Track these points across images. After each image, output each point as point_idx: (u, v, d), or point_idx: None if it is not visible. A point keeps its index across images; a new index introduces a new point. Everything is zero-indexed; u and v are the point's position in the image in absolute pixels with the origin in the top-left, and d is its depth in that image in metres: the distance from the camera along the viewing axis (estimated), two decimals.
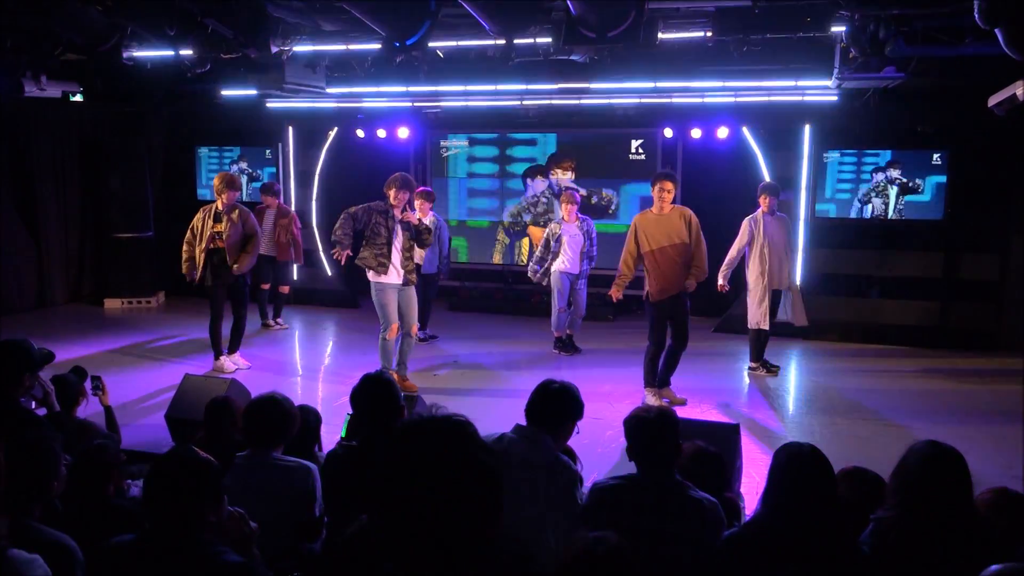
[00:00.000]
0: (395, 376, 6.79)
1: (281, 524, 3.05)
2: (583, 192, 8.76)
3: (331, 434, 4.59)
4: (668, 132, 9.58)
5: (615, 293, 6.76)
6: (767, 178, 9.23)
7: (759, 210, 7.43)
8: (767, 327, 7.46)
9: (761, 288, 7.38)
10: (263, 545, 2.78)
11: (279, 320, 9.67)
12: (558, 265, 8.13)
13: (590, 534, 2.02)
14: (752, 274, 7.44)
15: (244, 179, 11.20)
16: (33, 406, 4.13)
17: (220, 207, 7.29)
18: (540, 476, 3.05)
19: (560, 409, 3.26)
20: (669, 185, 6.37)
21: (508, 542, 1.48)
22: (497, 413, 6.39)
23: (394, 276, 6.68)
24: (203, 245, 7.26)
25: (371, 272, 6.68)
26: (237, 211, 7.35)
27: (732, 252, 7.45)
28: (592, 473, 4.46)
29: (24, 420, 3.62)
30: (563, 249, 8.11)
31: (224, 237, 7.25)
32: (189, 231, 7.39)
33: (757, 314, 7.44)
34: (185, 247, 7.41)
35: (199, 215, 7.37)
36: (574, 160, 10.47)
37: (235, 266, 7.31)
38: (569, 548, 1.89)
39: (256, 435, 3.29)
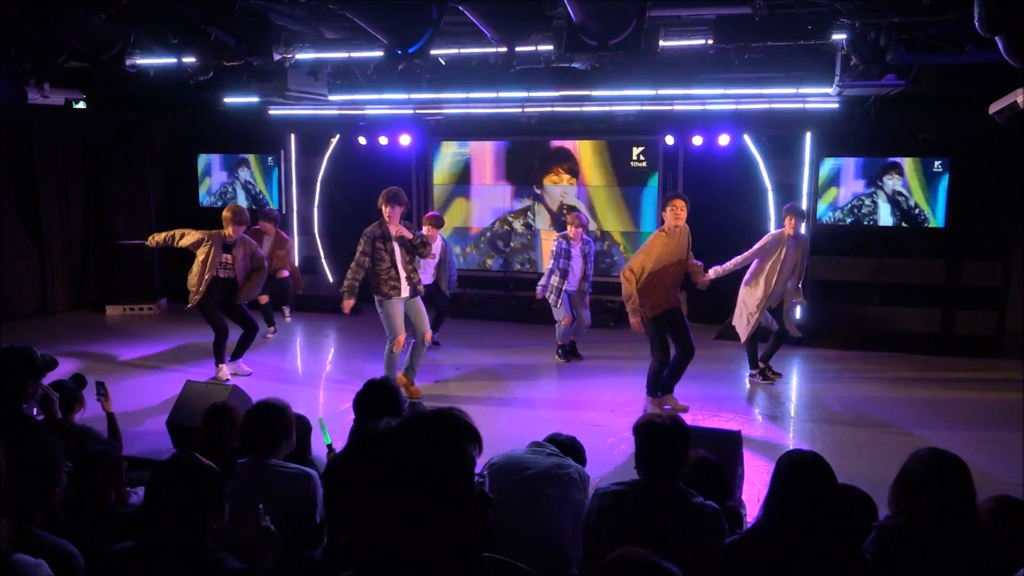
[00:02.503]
0: (402, 380, 6.83)
1: (282, 531, 3.04)
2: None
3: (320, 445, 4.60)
4: (669, 139, 9.59)
5: (637, 326, 6.45)
6: (768, 185, 9.25)
7: (784, 230, 7.18)
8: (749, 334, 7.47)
9: (756, 306, 7.22)
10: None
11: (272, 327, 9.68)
12: (558, 282, 8.14)
13: (623, 549, 1.94)
14: (754, 290, 7.25)
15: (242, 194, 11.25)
16: (35, 412, 4.13)
17: (229, 237, 7.34)
18: (550, 476, 3.10)
19: (566, 453, 3.40)
20: (681, 203, 6.36)
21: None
22: (500, 420, 6.39)
23: (403, 290, 6.73)
24: (211, 273, 7.27)
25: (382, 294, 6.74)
26: (244, 244, 7.42)
27: (746, 255, 7.21)
28: (593, 480, 4.45)
29: (25, 426, 3.62)
30: (569, 268, 8.10)
31: (234, 266, 7.36)
32: (180, 235, 7.39)
33: (745, 329, 7.37)
34: (162, 235, 7.46)
35: (205, 238, 7.31)
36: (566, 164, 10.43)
37: (240, 295, 7.40)
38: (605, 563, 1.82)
39: (254, 441, 3.28)
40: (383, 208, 6.61)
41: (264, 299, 9.38)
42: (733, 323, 7.57)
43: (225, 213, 7.37)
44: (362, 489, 1.23)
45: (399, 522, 1.21)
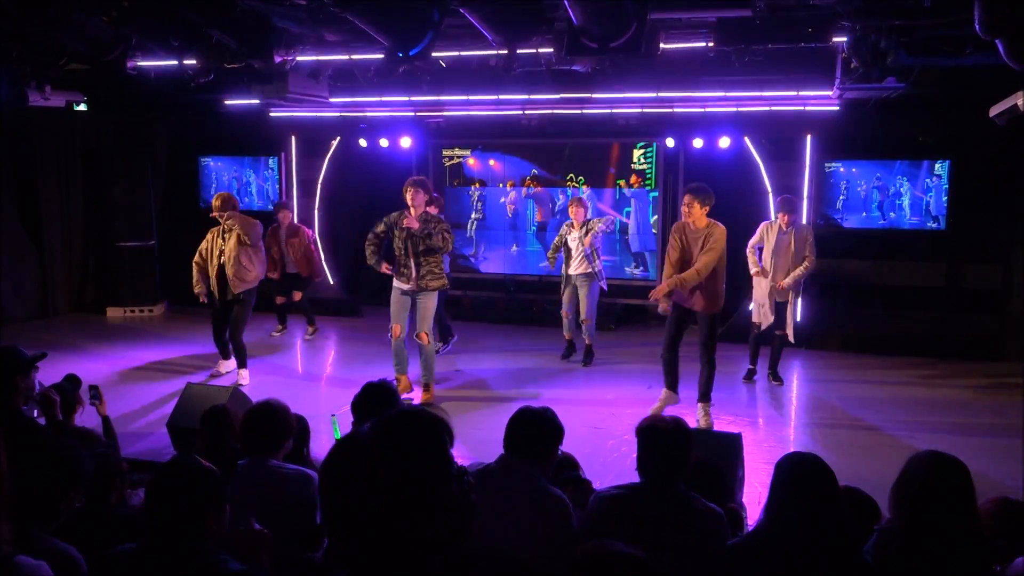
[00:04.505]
0: (405, 383, 6.92)
1: (282, 533, 3.04)
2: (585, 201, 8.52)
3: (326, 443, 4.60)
4: (670, 141, 9.60)
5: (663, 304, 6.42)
6: (769, 187, 9.25)
7: (777, 221, 7.38)
8: (759, 328, 7.54)
9: (764, 296, 7.43)
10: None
11: (312, 328, 9.60)
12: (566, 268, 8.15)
13: (599, 541, 1.95)
14: (760, 280, 7.49)
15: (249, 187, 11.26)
16: (36, 414, 4.13)
17: (224, 226, 7.26)
18: (529, 509, 2.91)
19: (538, 436, 3.09)
20: (686, 198, 6.22)
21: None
22: (498, 422, 6.38)
23: (403, 282, 6.73)
24: (215, 263, 7.25)
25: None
26: (236, 222, 7.22)
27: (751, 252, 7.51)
28: (594, 482, 4.46)
29: (27, 428, 3.62)
30: (571, 253, 8.07)
31: (227, 253, 7.22)
32: (198, 253, 7.38)
33: (755, 313, 7.55)
34: (195, 267, 7.41)
35: (208, 237, 7.35)
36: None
37: (238, 282, 7.25)
38: (577, 553, 1.83)
39: (253, 442, 3.28)
40: (406, 194, 6.59)
41: (298, 295, 9.32)
42: (756, 321, 7.57)
43: (215, 202, 7.24)
44: (344, 493, 1.27)
45: (385, 519, 1.24)
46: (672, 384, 6.58)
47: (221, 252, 7.25)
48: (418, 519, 1.25)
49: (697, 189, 6.24)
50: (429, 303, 6.77)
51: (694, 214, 6.18)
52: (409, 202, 6.58)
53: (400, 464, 1.26)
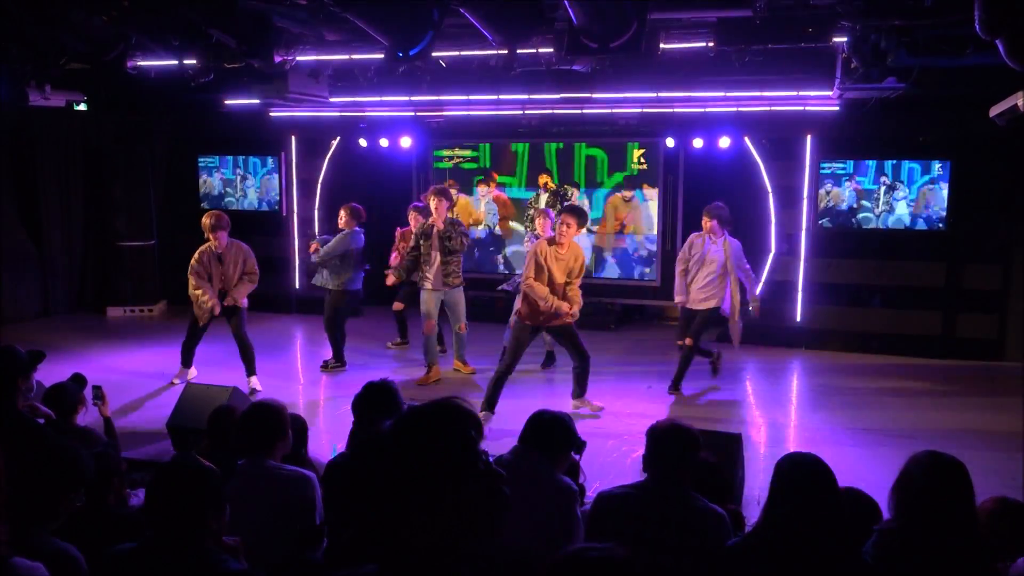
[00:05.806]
0: (456, 364, 7.82)
1: (281, 533, 3.04)
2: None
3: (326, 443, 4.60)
4: (670, 141, 9.59)
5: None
6: (769, 188, 9.25)
7: (703, 231, 6.99)
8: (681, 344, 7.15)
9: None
10: (263, 555, 2.77)
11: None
12: None
13: (579, 548, 1.96)
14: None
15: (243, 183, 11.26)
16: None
17: (217, 249, 7.14)
18: (539, 497, 3.02)
19: (553, 440, 3.22)
20: (566, 218, 6.20)
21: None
22: (498, 421, 6.38)
23: (433, 283, 7.34)
24: (215, 285, 7.17)
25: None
26: (235, 249, 7.20)
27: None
28: (595, 483, 4.46)
29: (27, 428, 3.62)
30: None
31: (227, 278, 7.18)
32: (199, 263, 7.20)
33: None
34: (196, 283, 7.20)
35: (201, 258, 7.18)
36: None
37: (234, 298, 7.18)
38: (559, 554, 1.83)
39: (251, 442, 3.28)
40: (431, 203, 7.29)
41: (398, 306, 8.61)
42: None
43: (205, 221, 7.12)
44: (374, 488, 1.26)
45: (415, 514, 1.23)
46: (492, 403, 6.40)
47: (221, 277, 7.17)
48: (445, 514, 1.24)
49: (577, 210, 6.31)
50: (457, 297, 7.48)
51: (570, 235, 6.22)
52: (433, 209, 7.24)
53: (426, 458, 1.24)
